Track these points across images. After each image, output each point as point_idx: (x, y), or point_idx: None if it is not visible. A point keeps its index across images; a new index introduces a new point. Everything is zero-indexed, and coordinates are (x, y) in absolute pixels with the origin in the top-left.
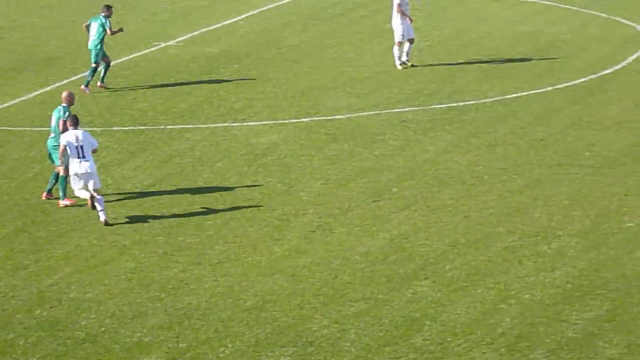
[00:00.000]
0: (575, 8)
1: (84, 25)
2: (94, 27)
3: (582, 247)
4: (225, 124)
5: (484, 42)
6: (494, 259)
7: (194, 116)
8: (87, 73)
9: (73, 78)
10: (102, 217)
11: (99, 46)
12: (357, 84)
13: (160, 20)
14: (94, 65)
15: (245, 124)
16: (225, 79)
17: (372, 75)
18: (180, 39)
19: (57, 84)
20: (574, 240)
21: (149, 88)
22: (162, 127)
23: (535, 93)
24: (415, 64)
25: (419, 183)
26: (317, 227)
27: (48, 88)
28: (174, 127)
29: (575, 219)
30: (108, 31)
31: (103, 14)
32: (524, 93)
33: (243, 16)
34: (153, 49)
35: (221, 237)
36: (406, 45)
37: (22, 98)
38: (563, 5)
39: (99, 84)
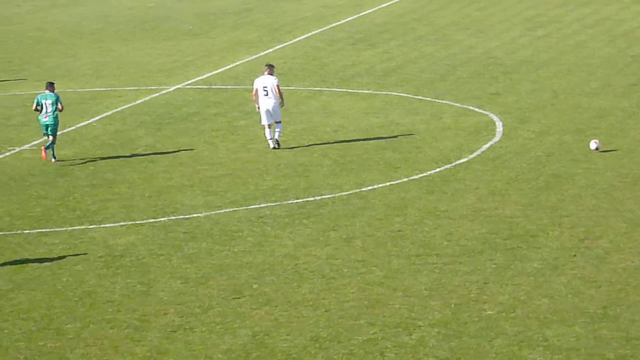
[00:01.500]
0: (428, 99)
1: (33, 107)
2: (48, 104)
3: (443, 336)
4: (82, 227)
5: (338, 136)
6: (356, 351)
7: (51, 219)
8: (50, 146)
9: None
10: None
11: (57, 119)
12: (214, 182)
13: (13, 125)
14: (52, 137)
15: (102, 225)
16: (80, 181)
17: (228, 173)
18: (35, 142)
19: None
20: (435, 330)
21: (4, 193)
22: (18, 231)
23: (391, 184)
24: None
25: (279, 278)
26: (178, 326)
27: None
28: (31, 231)
29: (435, 309)
30: (60, 106)
31: (50, 91)
32: (380, 185)
33: (96, 118)
34: (7, 153)
35: (82, 340)
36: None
37: None
38: (415, 97)
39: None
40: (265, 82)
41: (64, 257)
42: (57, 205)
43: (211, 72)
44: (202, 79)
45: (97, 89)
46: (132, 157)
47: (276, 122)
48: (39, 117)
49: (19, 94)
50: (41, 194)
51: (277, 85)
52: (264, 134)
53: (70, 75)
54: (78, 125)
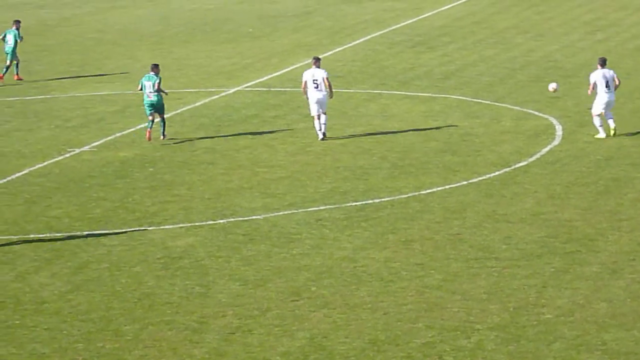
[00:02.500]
0: (487, 102)
1: (138, 88)
2: (150, 85)
3: (501, 340)
4: (141, 228)
5: (397, 139)
6: (414, 355)
7: (110, 221)
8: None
9: None
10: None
11: (162, 98)
12: (272, 184)
13: (73, 127)
14: (161, 116)
15: (161, 227)
16: (140, 183)
17: (287, 175)
18: (94, 144)
19: None
20: (493, 333)
21: (63, 194)
22: (77, 233)
23: (450, 187)
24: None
25: (337, 281)
26: (236, 328)
27: None
28: (90, 233)
29: (493, 312)
30: (156, 85)
31: (154, 73)
32: (439, 188)
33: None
34: (67, 155)
35: (140, 341)
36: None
37: None
38: (475, 100)
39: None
40: (315, 75)
41: (122, 258)
42: (117, 207)
43: (271, 74)
44: (261, 82)
45: None
46: (192, 159)
47: (323, 113)
48: (144, 98)
49: (79, 96)
50: (100, 195)
51: (327, 78)
52: (313, 124)
53: (129, 77)
54: (138, 127)
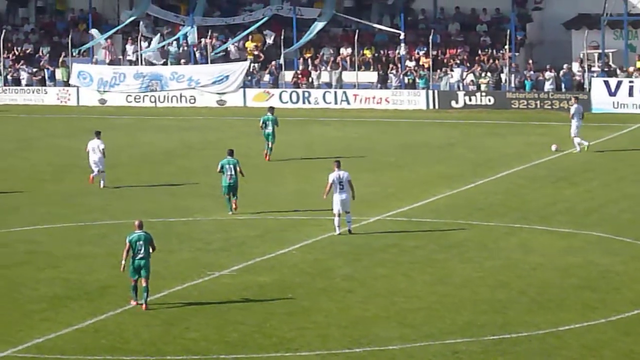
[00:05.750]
0: (628, 240)
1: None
2: (229, 168)
3: None
4: (278, 354)
5: (536, 273)
6: None
7: (246, 346)
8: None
9: (126, 307)
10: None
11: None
12: (409, 315)
13: (214, 250)
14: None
15: (297, 353)
16: (277, 308)
17: (424, 306)
18: (234, 268)
19: (111, 313)
20: None
21: (201, 317)
22: (214, 356)
23: (588, 325)
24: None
25: None
26: None
27: (101, 317)
28: (227, 356)
29: None
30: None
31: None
32: (577, 325)
33: (296, 246)
34: (206, 278)
35: None
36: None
37: (76, 327)
38: (616, 237)
39: None
40: (341, 177)
41: None
42: (254, 331)
43: (411, 204)
44: (402, 211)
45: (298, 217)
46: (330, 287)
47: (347, 213)
48: (223, 179)
49: (220, 219)
50: (238, 319)
51: (350, 180)
52: (334, 222)
53: (270, 202)
54: (277, 253)
